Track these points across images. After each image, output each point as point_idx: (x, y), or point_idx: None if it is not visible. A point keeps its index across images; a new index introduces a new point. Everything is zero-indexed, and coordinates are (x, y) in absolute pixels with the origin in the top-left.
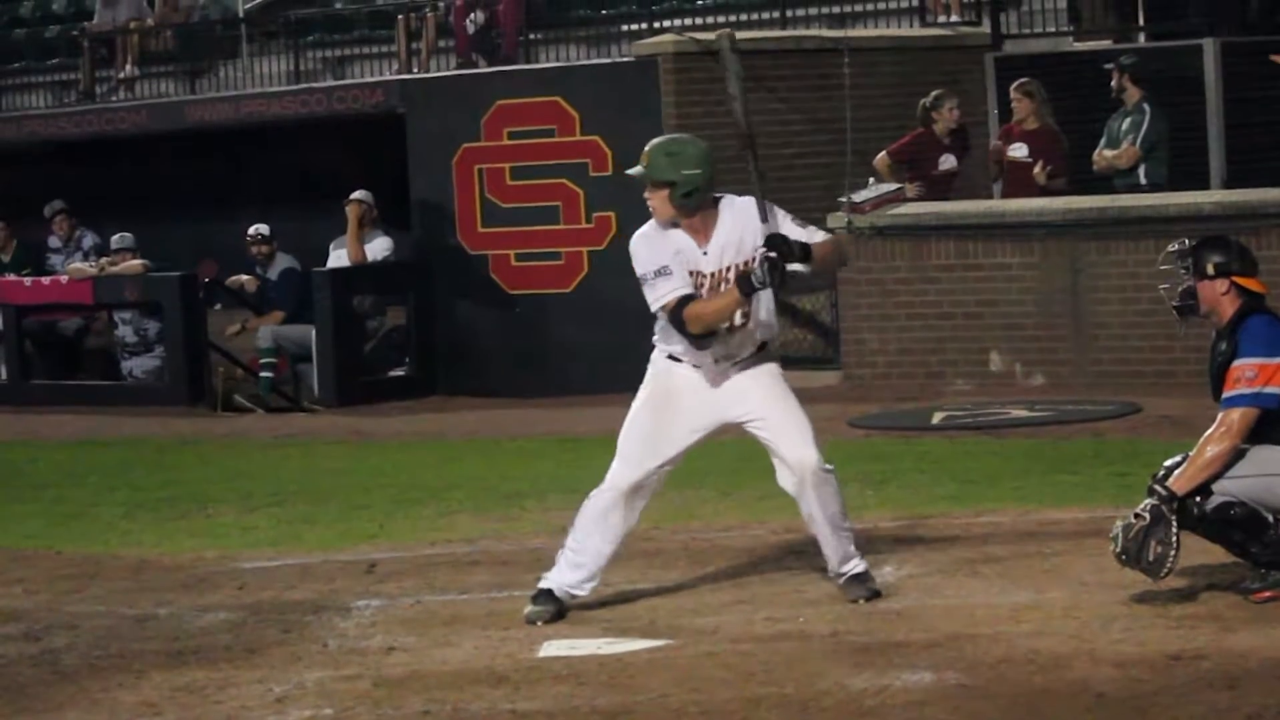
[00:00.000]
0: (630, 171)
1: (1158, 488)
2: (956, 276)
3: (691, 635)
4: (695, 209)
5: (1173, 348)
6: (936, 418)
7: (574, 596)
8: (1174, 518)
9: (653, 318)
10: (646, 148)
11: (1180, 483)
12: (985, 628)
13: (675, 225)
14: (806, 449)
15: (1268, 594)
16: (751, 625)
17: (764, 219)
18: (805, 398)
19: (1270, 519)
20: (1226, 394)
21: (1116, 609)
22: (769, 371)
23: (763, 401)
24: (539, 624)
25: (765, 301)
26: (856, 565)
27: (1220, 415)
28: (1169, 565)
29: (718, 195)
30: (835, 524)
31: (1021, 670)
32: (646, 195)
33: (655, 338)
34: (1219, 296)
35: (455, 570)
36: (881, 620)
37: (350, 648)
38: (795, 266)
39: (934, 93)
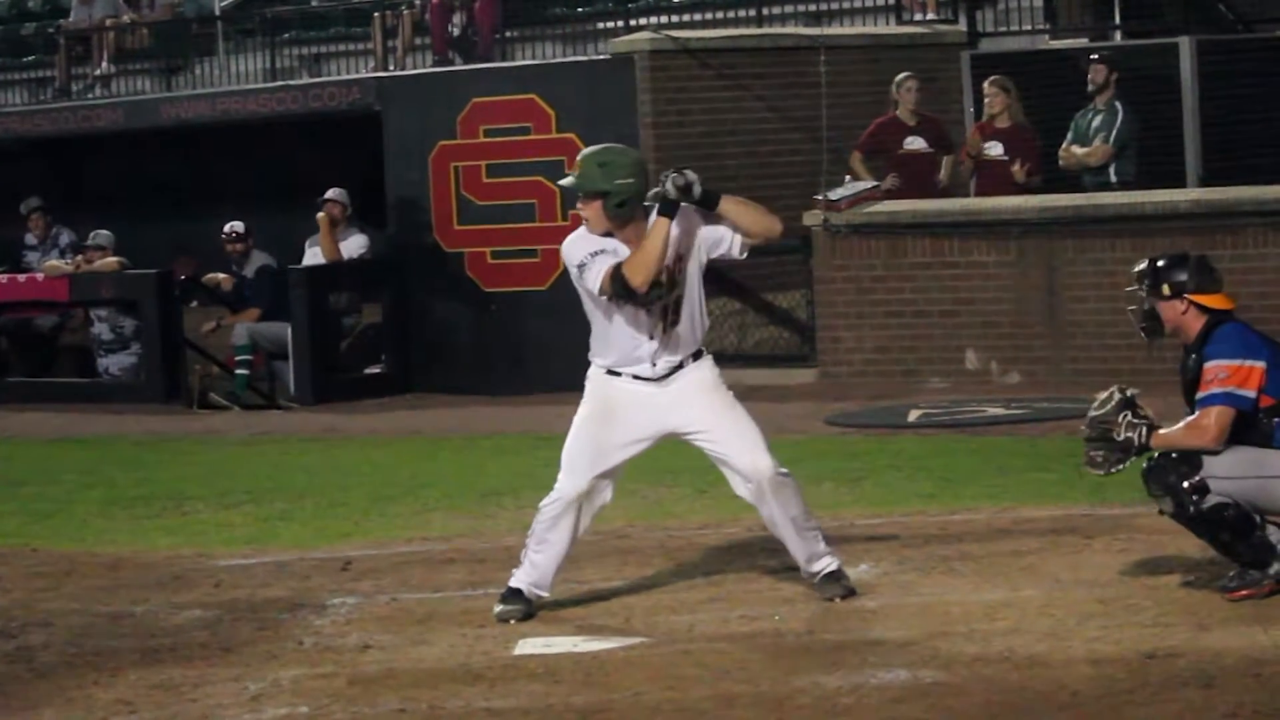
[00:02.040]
0: (562, 183)
1: (1146, 429)
2: (932, 275)
3: (667, 633)
4: (629, 219)
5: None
6: (912, 416)
7: (539, 596)
8: (1131, 457)
9: None
10: (578, 157)
11: (1158, 440)
12: (961, 626)
13: (609, 235)
14: (758, 455)
15: (1245, 592)
16: (727, 623)
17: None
18: (781, 395)
19: (1258, 520)
20: (1202, 393)
21: (1092, 607)
22: (709, 380)
23: (706, 412)
24: (511, 622)
25: (695, 296)
26: (829, 564)
27: (1197, 414)
28: (1097, 473)
29: (649, 204)
30: (799, 525)
31: (997, 668)
32: (579, 205)
33: (590, 353)
34: (1180, 316)
35: (430, 568)
36: (857, 618)
37: (326, 645)
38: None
39: (896, 77)
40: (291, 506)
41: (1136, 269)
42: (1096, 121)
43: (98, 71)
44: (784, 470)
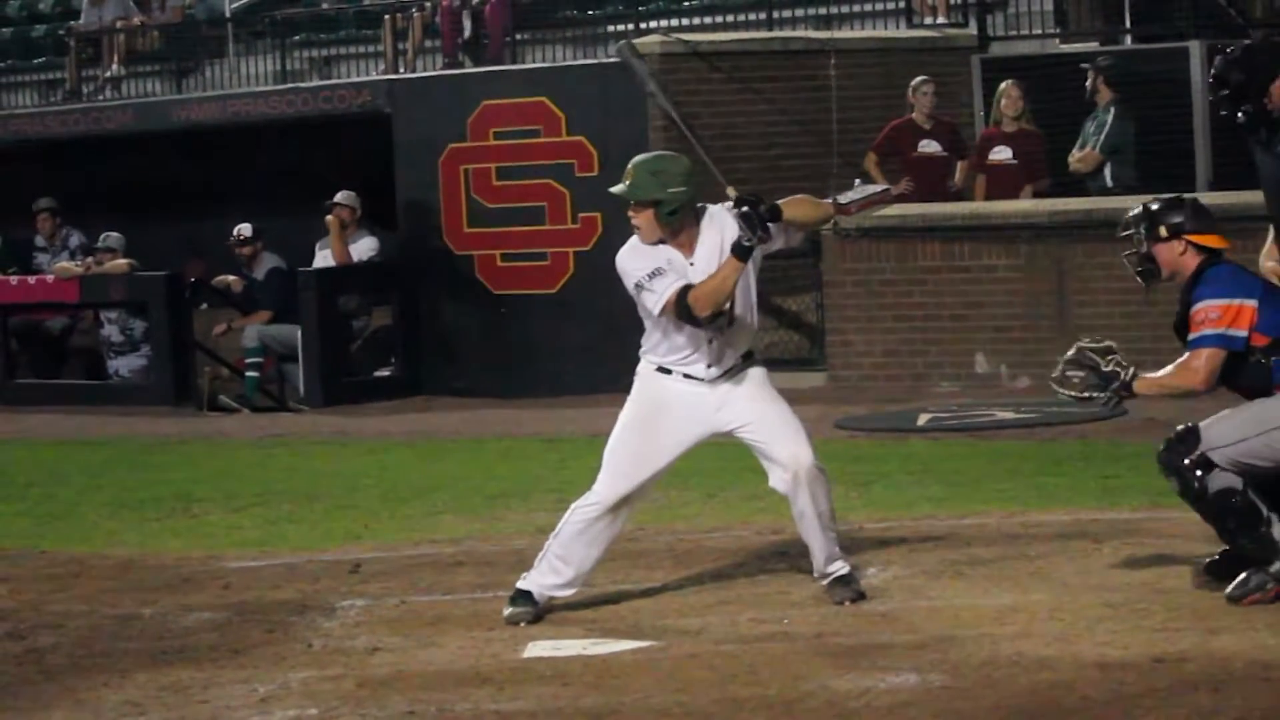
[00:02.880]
0: (614, 190)
1: (1126, 376)
2: (943, 278)
3: (676, 636)
4: (681, 226)
5: (1159, 350)
6: (922, 419)
7: (552, 600)
8: (1108, 393)
9: (637, 318)
10: (630, 165)
11: (1143, 384)
12: (970, 630)
13: (661, 242)
14: (800, 446)
15: (1253, 598)
16: (736, 626)
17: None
18: (791, 399)
19: (1264, 513)
20: (1192, 335)
21: (1101, 611)
22: (755, 377)
23: (751, 406)
24: (521, 625)
25: (747, 298)
26: (841, 567)
27: (1187, 355)
28: (1067, 393)
29: (700, 206)
30: (825, 523)
31: (1006, 672)
32: (630, 214)
33: (643, 349)
34: (1177, 257)
35: (440, 571)
36: (866, 622)
37: (335, 648)
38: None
39: (913, 80)
40: (301, 509)
41: (1130, 214)
42: (1092, 127)
43: (108, 73)
44: (821, 465)
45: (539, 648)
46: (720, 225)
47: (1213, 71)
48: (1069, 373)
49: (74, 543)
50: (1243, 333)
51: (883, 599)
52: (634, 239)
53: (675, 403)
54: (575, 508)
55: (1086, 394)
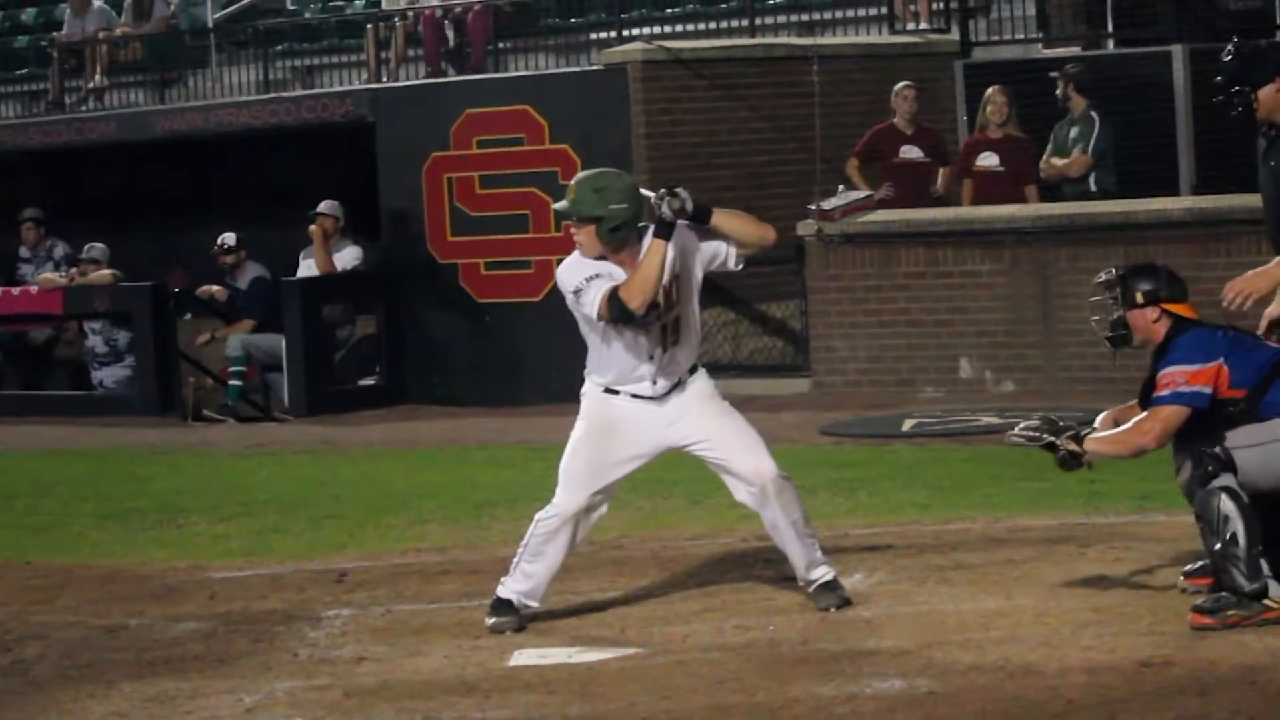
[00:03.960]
0: (556, 207)
1: (1076, 436)
2: (926, 284)
3: (661, 643)
4: (623, 244)
5: (1143, 354)
6: (907, 425)
7: (529, 607)
8: (1057, 441)
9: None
10: (573, 181)
11: (1093, 444)
12: (955, 635)
13: (602, 258)
14: (761, 458)
15: (1208, 621)
16: (721, 633)
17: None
18: (775, 405)
19: (1258, 533)
20: (1155, 395)
21: (1086, 616)
22: (704, 391)
23: (704, 421)
24: (506, 634)
25: (693, 313)
26: (825, 573)
27: (1145, 414)
28: (1015, 440)
29: (643, 225)
30: (799, 530)
31: (991, 677)
32: (573, 230)
33: (588, 369)
34: (1150, 324)
35: (426, 579)
36: (851, 628)
37: (321, 657)
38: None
39: (895, 85)
40: (286, 519)
41: (1102, 278)
42: (1074, 133)
43: (91, 84)
44: (784, 474)
45: (525, 656)
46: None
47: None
48: (1024, 426)
49: (59, 553)
50: (1208, 389)
51: (868, 605)
52: (574, 253)
53: (624, 421)
54: (538, 519)
55: (1029, 442)
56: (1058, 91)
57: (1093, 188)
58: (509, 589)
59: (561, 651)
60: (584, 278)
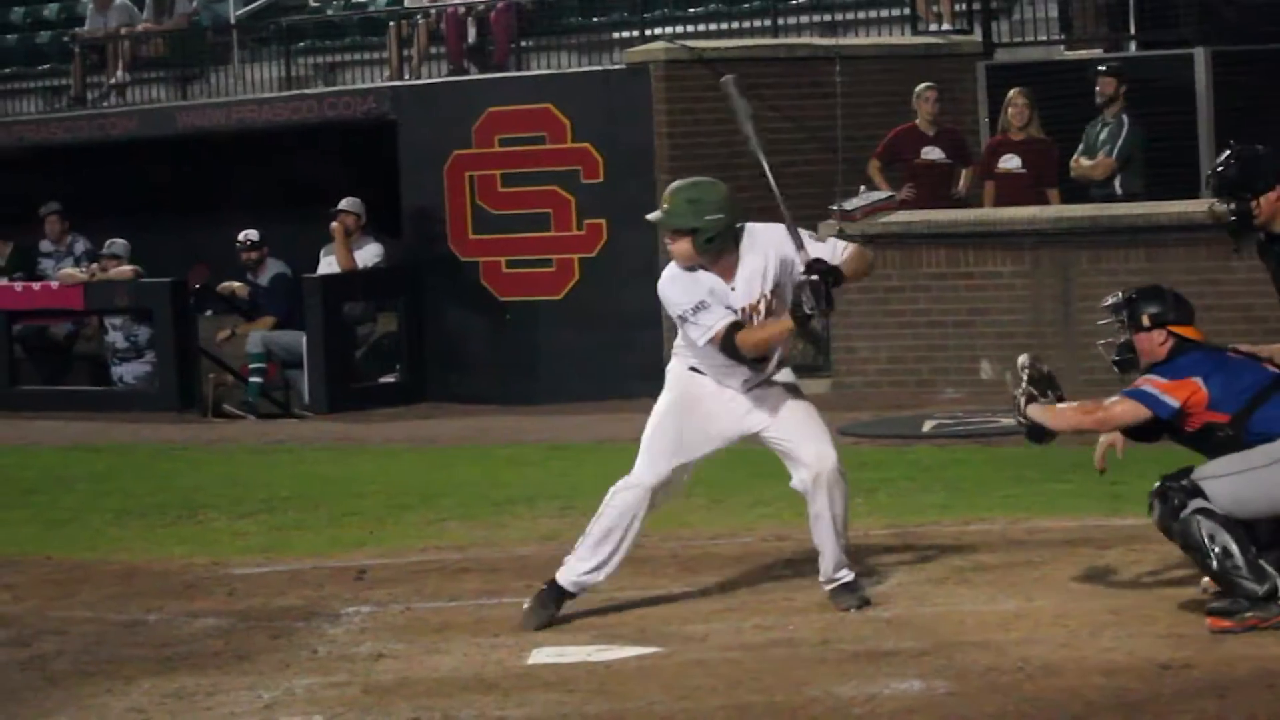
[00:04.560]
0: (650, 217)
1: (1024, 402)
2: (947, 285)
3: (681, 643)
4: (720, 253)
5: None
6: (927, 426)
7: (585, 588)
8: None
9: (647, 325)
10: (667, 191)
11: (1035, 410)
12: (974, 636)
13: (701, 267)
14: (826, 446)
15: (1226, 624)
16: (740, 633)
17: (798, 246)
18: None
19: (1245, 536)
20: (1125, 389)
21: (1105, 617)
22: (786, 380)
23: (780, 407)
24: (532, 630)
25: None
26: (846, 574)
27: (1108, 399)
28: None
29: (739, 227)
30: (838, 528)
31: (1010, 678)
32: (667, 241)
33: (676, 351)
34: (1157, 347)
35: (445, 577)
36: (871, 628)
37: (340, 654)
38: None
39: (917, 87)
40: (306, 515)
41: (1109, 303)
42: (1104, 134)
43: (113, 80)
44: (844, 469)
45: (543, 654)
46: (762, 247)
47: (1216, 163)
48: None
49: (78, 549)
50: (1175, 403)
51: (887, 605)
52: (673, 265)
53: (709, 399)
54: (615, 490)
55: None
56: (1099, 90)
57: (1118, 190)
58: (569, 574)
59: (580, 650)
60: (690, 306)
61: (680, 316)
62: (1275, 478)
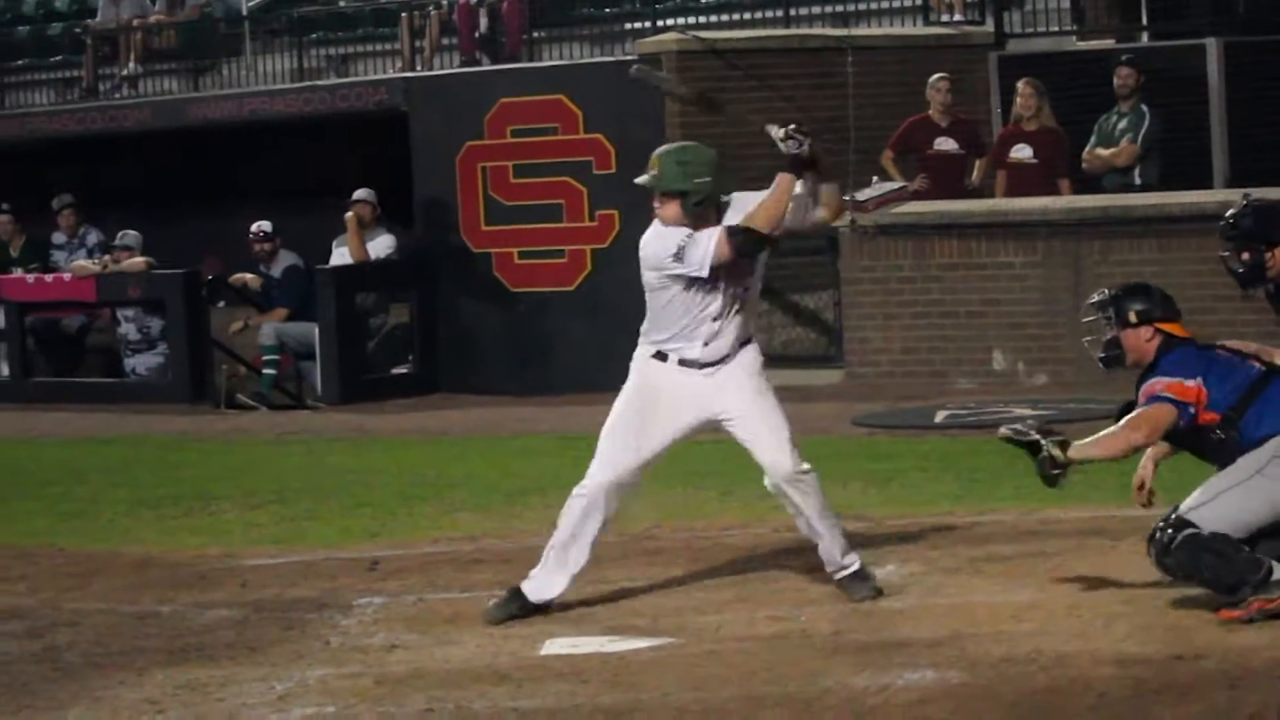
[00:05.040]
0: (639, 180)
1: (1063, 443)
2: (959, 275)
3: (694, 634)
4: (705, 217)
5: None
6: (939, 416)
7: (545, 602)
8: (1039, 455)
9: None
10: (655, 154)
11: (1079, 450)
12: (987, 626)
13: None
14: (780, 454)
15: (1235, 614)
16: (754, 624)
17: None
18: (808, 396)
19: (1238, 540)
20: (1140, 403)
21: (1119, 608)
22: (751, 365)
23: (741, 399)
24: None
25: (755, 284)
26: (853, 561)
27: (1136, 413)
28: (1004, 431)
29: (725, 200)
30: (823, 519)
31: (1024, 669)
32: (656, 204)
33: (643, 331)
34: (1144, 344)
35: (457, 568)
36: (884, 619)
37: (352, 645)
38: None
39: (930, 77)
40: (318, 506)
41: (1094, 300)
42: (1122, 124)
43: (125, 72)
44: (804, 468)
45: (557, 645)
46: (741, 210)
47: (1230, 214)
48: (1014, 425)
49: (91, 540)
50: (1190, 404)
51: (900, 596)
52: (655, 224)
53: (670, 388)
54: (572, 497)
55: (1025, 431)
56: (1118, 82)
57: (1138, 180)
58: (536, 591)
59: (594, 641)
60: (682, 236)
61: (677, 252)
62: (1261, 486)
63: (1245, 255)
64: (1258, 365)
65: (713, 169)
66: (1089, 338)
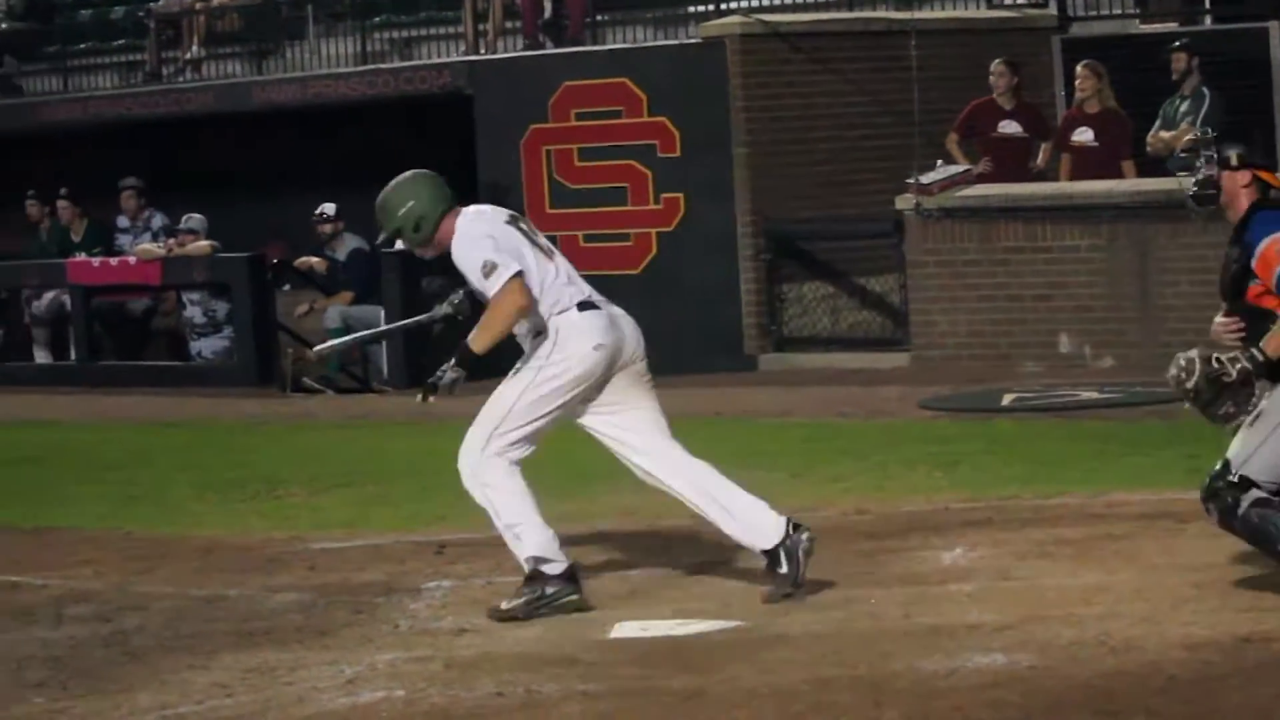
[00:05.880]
0: (379, 240)
1: (1253, 351)
2: (1025, 259)
3: (762, 617)
4: (431, 235)
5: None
6: (1006, 400)
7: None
8: (1255, 385)
9: (726, 299)
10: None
11: (1272, 344)
12: (1056, 610)
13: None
14: (462, 448)
15: None
16: (822, 607)
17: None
18: (874, 379)
19: None
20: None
21: (1187, 591)
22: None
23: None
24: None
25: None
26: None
27: None
28: (1235, 424)
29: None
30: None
31: (1092, 652)
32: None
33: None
34: (1239, 189)
35: None
36: (952, 602)
37: (421, 629)
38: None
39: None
40: (385, 490)
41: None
42: (1184, 106)
43: (188, 55)
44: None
45: (626, 629)
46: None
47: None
48: (1220, 412)
49: (158, 524)
50: None
51: (969, 579)
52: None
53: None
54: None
55: (1250, 409)
56: (1172, 67)
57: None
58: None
59: (663, 624)
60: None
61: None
62: None
63: (1203, 173)
64: None
65: (405, 195)
66: (1184, 172)
